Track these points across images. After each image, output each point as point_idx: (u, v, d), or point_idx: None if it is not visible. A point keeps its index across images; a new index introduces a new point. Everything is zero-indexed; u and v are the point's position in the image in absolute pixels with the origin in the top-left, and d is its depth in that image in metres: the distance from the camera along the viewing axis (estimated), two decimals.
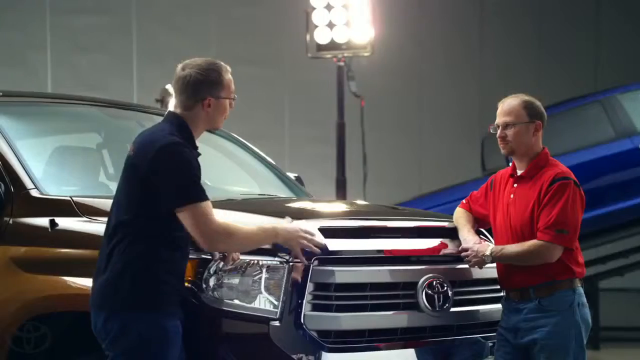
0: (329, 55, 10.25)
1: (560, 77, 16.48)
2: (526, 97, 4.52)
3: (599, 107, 10.65)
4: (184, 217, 3.67)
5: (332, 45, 10.09)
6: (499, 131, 4.49)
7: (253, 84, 15.15)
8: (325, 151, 11.15)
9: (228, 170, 5.77)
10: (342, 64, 10.27)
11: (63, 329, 4.22)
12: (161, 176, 3.68)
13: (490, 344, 4.46)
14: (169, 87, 9.94)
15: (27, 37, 14.36)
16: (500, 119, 4.49)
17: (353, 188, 10.61)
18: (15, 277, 4.28)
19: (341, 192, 10.38)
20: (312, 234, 3.90)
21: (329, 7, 9.97)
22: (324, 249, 3.94)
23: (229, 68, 3.95)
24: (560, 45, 17.00)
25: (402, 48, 14.92)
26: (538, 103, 4.53)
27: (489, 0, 17.04)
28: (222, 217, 3.82)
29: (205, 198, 3.70)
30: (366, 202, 5.12)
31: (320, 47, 10.15)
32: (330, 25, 10.00)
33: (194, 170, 3.72)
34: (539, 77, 16.69)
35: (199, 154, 3.88)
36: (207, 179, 5.45)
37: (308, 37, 10.17)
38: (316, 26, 10.05)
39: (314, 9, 10.02)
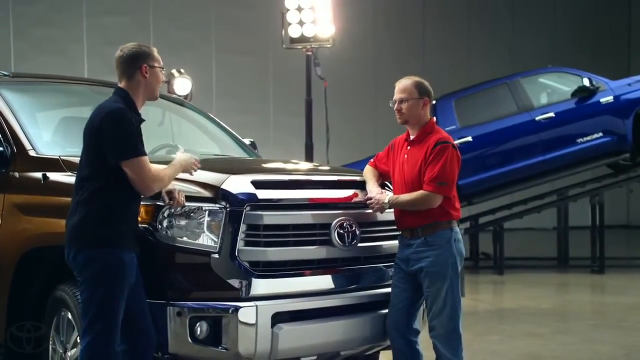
0: (299, 47, 10.19)
1: (482, 60, 16.58)
2: (417, 78, 4.40)
3: (505, 88, 10.55)
4: (128, 167, 3.55)
5: (302, 39, 10.04)
6: (396, 105, 4.38)
7: (244, 70, 15.00)
8: (298, 122, 11.01)
9: (196, 136, 5.66)
10: (309, 53, 10.21)
11: (52, 259, 4.13)
12: (107, 135, 3.56)
13: (390, 271, 4.40)
14: (174, 71, 9.88)
15: (68, 33, 14.14)
16: (397, 96, 4.38)
17: (319, 151, 10.49)
18: (17, 218, 4.22)
19: (309, 155, 10.28)
20: (198, 161, 3.85)
21: (299, 9, 9.99)
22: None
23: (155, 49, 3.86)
24: (484, 36, 17.05)
25: (357, 40, 14.77)
26: (427, 83, 4.41)
27: (430, 1, 17.00)
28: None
29: (144, 153, 3.60)
30: (297, 161, 4.99)
31: (293, 40, 10.09)
32: (301, 23, 9.99)
33: (134, 130, 3.59)
34: (468, 59, 16.75)
35: (142, 120, 3.75)
36: (178, 143, 5.34)
37: (284, 32, 10.09)
38: (290, 24, 10.02)
39: (288, 10, 10.02)
